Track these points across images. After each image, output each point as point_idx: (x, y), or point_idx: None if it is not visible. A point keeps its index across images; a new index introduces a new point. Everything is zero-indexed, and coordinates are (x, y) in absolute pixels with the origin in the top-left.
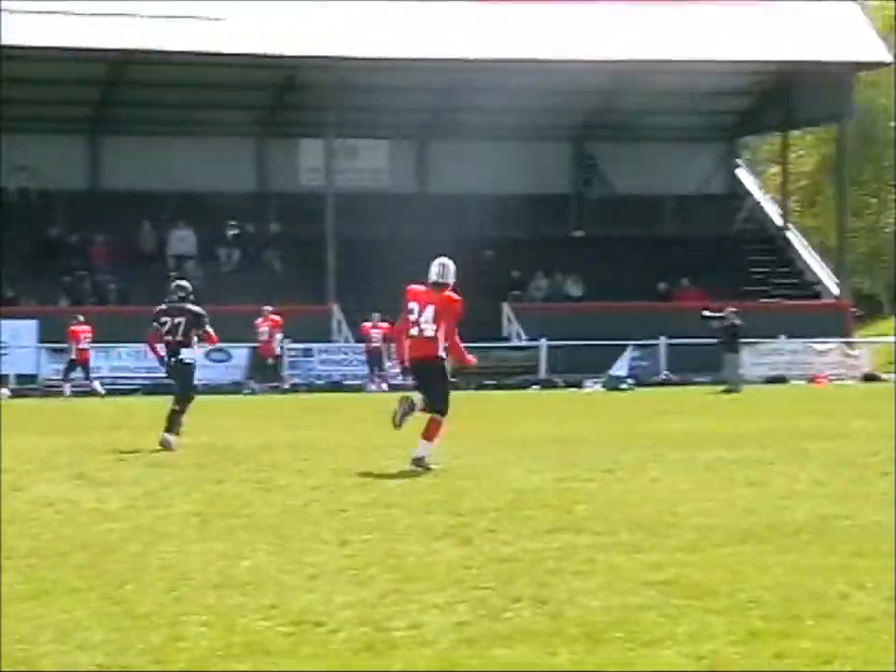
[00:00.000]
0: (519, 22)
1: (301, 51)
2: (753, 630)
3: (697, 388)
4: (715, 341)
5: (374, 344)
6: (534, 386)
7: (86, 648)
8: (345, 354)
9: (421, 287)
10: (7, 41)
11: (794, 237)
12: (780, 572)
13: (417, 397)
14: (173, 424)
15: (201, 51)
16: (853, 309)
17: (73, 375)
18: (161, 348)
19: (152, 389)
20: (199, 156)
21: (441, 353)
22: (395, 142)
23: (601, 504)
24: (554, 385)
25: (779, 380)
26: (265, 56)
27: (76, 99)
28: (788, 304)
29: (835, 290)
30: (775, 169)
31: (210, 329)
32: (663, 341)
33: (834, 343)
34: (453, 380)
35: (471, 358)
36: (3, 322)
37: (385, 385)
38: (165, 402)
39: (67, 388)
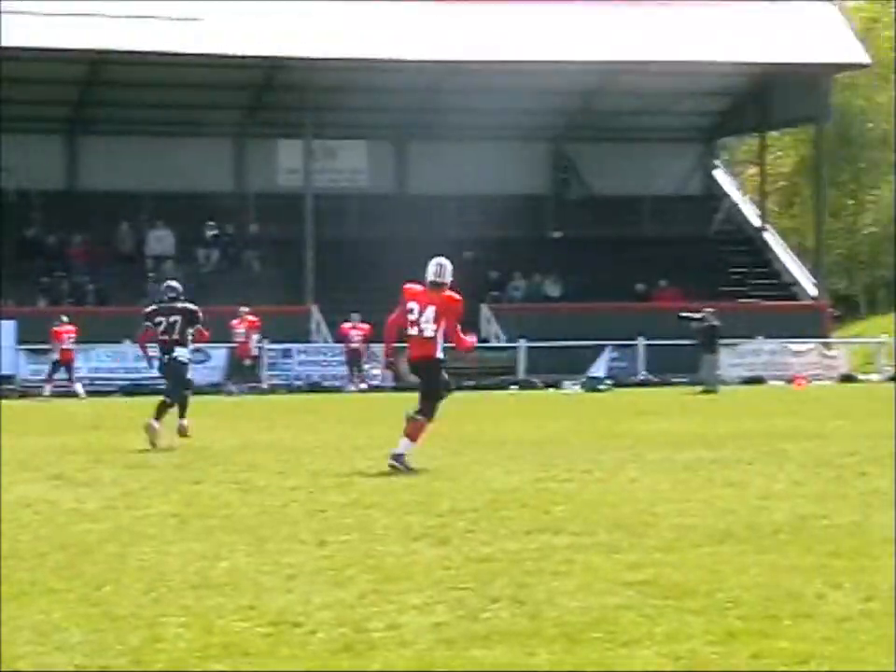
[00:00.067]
0: (497, 23)
1: (280, 52)
2: (731, 630)
3: (675, 389)
4: (693, 341)
5: (354, 345)
6: (512, 387)
7: (64, 649)
8: (324, 354)
9: (418, 287)
10: None
11: (772, 238)
12: (758, 572)
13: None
14: (160, 412)
15: (179, 52)
16: (831, 310)
17: (56, 376)
18: (153, 349)
19: (131, 390)
20: (177, 156)
21: (440, 354)
22: (373, 142)
23: (579, 504)
24: (533, 386)
25: (757, 380)
26: (243, 56)
27: (53, 99)
28: (765, 305)
29: (813, 291)
30: (753, 170)
31: (202, 327)
32: (641, 341)
33: (812, 343)
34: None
35: (471, 341)
36: None
37: (363, 386)
38: (144, 403)
39: (48, 389)
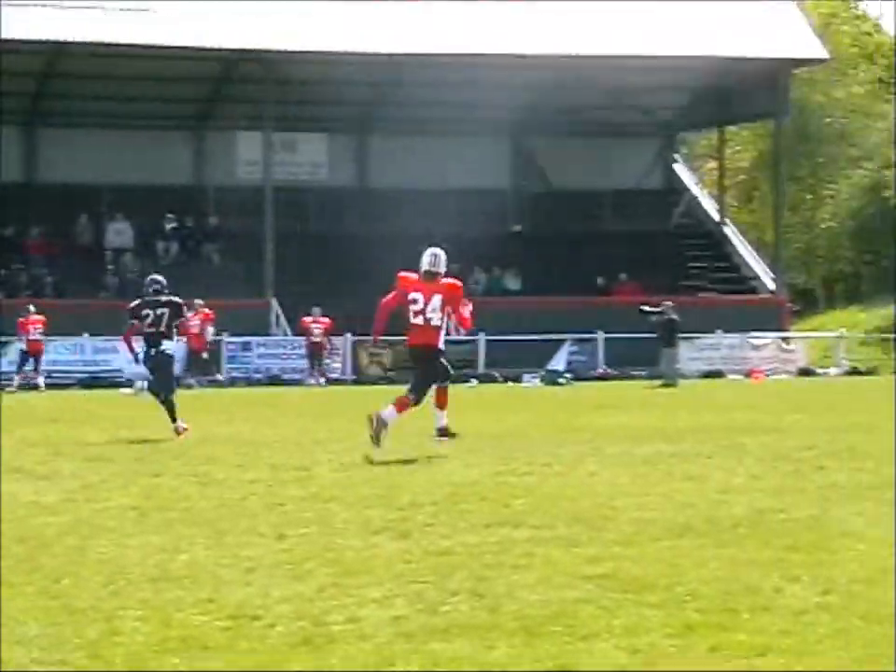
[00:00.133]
0: (457, 18)
1: (239, 44)
2: (689, 623)
3: (635, 382)
4: (653, 335)
5: (315, 339)
6: (472, 381)
7: (22, 642)
8: (284, 347)
9: (414, 276)
10: None
11: (731, 232)
12: (717, 566)
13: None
14: (173, 411)
15: (138, 43)
16: (789, 304)
17: (26, 368)
18: (138, 343)
19: (89, 382)
20: (136, 149)
21: (442, 345)
22: (333, 136)
23: (539, 498)
24: (493, 380)
25: (716, 374)
26: (202, 48)
27: (11, 91)
28: (725, 299)
29: (772, 285)
30: (711, 164)
31: (186, 321)
32: (600, 335)
33: (771, 337)
34: (391, 373)
35: (469, 316)
36: None
37: (322, 380)
38: (103, 395)
39: (17, 381)
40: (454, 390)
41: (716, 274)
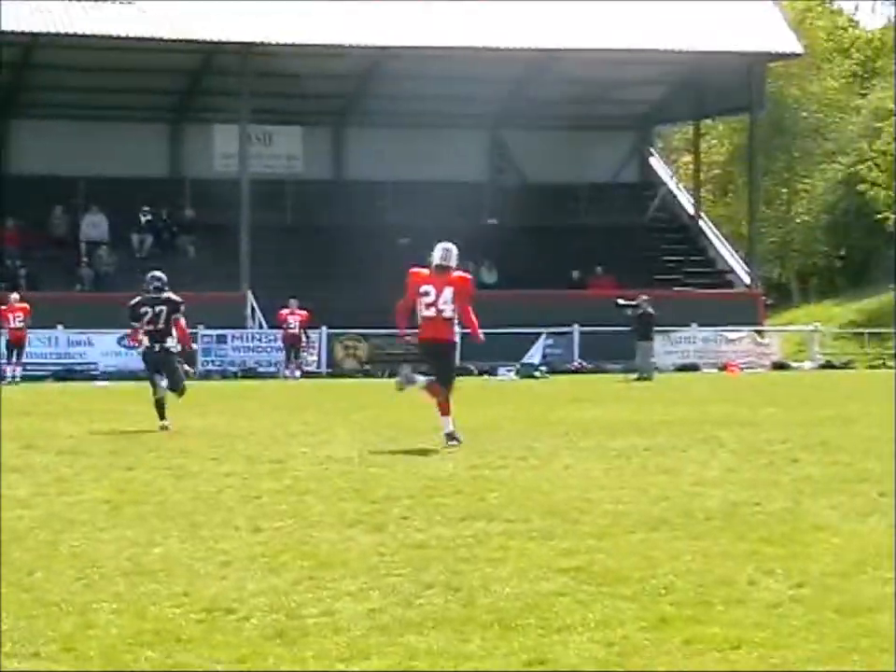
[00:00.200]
0: (433, 10)
1: (216, 36)
2: (664, 616)
3: (610, 376)
4: (628, 329)
5: (291, 331)
6: None
7: None
8: (259, 340)
9: (425, 271)
10: None
11: (706, 226)
12: (691, 559)
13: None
14: (164, 407)
15: (114, 35)
16: (764, 298)
17: (15, 359)
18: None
19: (63, 375)
20: (112, 140)
21: (457, 338)
22: (309, 128)
23: (514, 491)
24: (468, 373)
25: (691, 368)
26: (179, 40)
27: None
28: (700, 293)
29: (747, 279)
30: (687, 158)
31: (182, 319)
32: (576, 328)
33: (745, 331)
34: (367, 367)
35: (481, 337)
36: None
37: (298, 373)
38: (76, 388)
39: (8, 372)
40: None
41: (691, 268)
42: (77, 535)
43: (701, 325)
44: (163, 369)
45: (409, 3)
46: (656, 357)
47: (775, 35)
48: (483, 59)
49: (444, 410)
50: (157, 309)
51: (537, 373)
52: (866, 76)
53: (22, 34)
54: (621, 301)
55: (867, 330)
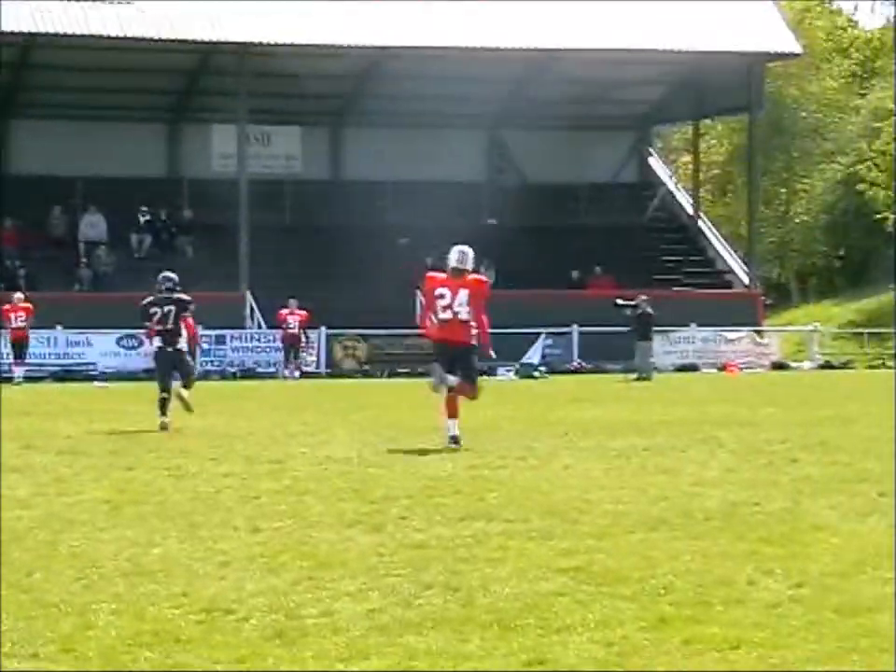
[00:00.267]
0: (432, 10)
1: (214, 36)
2: (663, 616)
3: (609, 376)
4: (627, 329)
5: (291, 331)
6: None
7: None
8: (258, 340)
9: (441, 275)
10: None
11: (705, 226)
12: (690, 559)
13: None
14: (168, 405)
15: (112, 35)
16: (763, 298)
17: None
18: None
19: (62, 376)
20: (110, 141)
21: (475, 340)
22: (308, 128)
23: (513, 491)
24: None
25: (690, 368)
26: (177, 40)
27: None
28: (699, 293)
29: (746, 279)
30: (687, 158)
31: (191, 319)
32: (575, 329)
33: (745, 331)
34: (366, 367)
35: (491, 352)
36: None
37: (297, 374)
38: (75, 388)
39: (17, 372)
40: (429, 383)
41: (690, 268)
42: (76, 535)
43: (700, 325)
44: (178, 368)
45: (408, 2)
46: (655, 357)
47: (774, 35)
48: (482, 59)
49: (452, 412)
50: (166, 309)
51: (536, 373)
52: (865, 76)
53: (21, 34)
54: (620, 301)
55: (866, 330)
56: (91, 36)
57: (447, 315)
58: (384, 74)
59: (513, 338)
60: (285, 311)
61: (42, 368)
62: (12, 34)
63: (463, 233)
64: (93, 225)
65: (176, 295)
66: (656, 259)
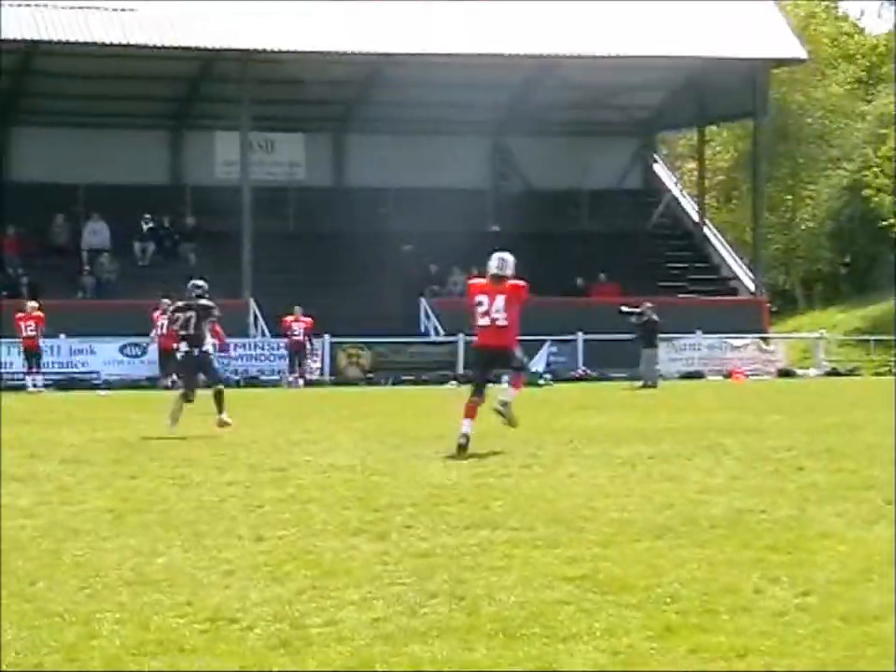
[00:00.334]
0: (435, 16)
1: (217, 43)
2: (669, 625)
3: (614, 384)
4: (632, 336)
5: (296, 338)
6: (451, 382)
7: None
8: (262, 348)
9: (482, 281)
10: None
11: (710, 233)
12: (696, 567)
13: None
14: (221, 404)
15: (114, 42)
16: (768, 304)
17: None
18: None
19: (65, 384)
20: (113, 148)
21: (514, 346)
22: (311, 135)
23: (518, 499)
24: (470, 381)
25: (696, 375)
26: (179, 47)
27: None
28: (704, 300)
29: (751, 286)
30: (691, 164)
31: (218, 326)
32: (580, 336)
33: (750, 338)
34: (370, 375)
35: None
36: None
37: (301, 381)
38: (78, 397)
39: (30, 381)
40: (435, 391)
41: (695, 275)
42: (79, 544)
43: (705, 332)
44: (203, 370)
45: (410, 9)
46: (661, 364)
47: (779, 41)
48: (485, 65)
49: (471, 413)
50: (187, 314)
51: (541, 381)
52: (871, 82)
53: (23, 41)
54: (625, 309)
55: (873, 337)
56: (94, 44)
57: (485, 321)
58: (387, 80)
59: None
60: (289, 318)
61: (45, 376)
62: (14, 40)
63: (466, 240)
64: (96, 232)
65: (201, 301)
66: (661, 265)
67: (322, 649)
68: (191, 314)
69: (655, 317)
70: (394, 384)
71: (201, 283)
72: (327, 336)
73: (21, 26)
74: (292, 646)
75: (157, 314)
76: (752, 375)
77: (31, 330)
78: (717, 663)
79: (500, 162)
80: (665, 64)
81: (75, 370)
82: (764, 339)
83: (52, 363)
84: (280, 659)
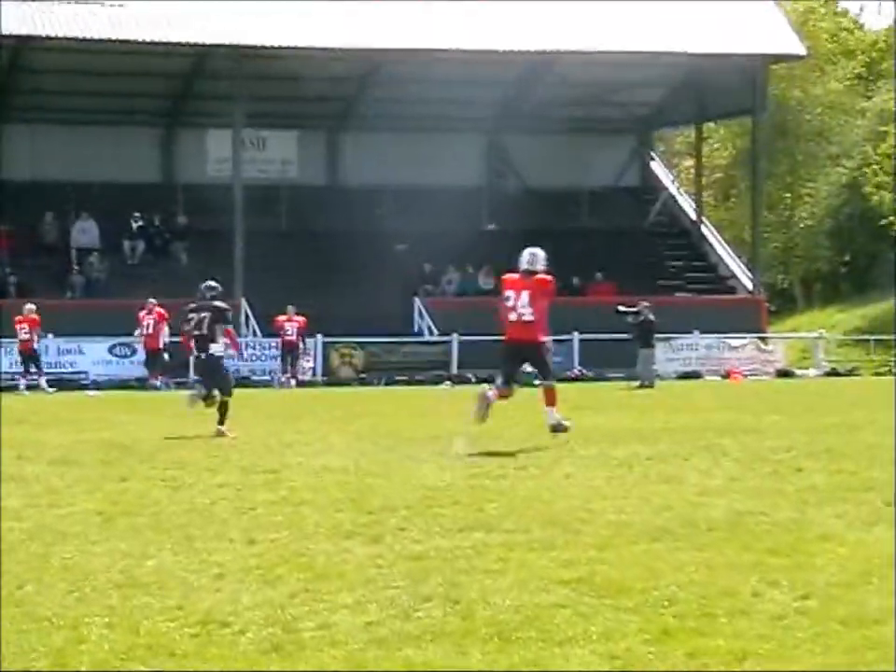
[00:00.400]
0: (430, 13)
1: (209, 39)
2: (667, 628)
3: (611, 384)
4: (629, 336)
5: (289, 337)
6: (446, 382)
7: None
8: (253, 349)
9: (515, 276)
10: None
11: (708, 231)
12: (694, 570)
13: (487, 388)
14: (223, 415)
15: (104, 38)
16: (767, 304)
17: (31, 368)
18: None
19: (53, 385)
20: (103, 145)
21: (544, 337)
22: (304, 132)
23: (514, 501)
24: (466, 381)
25: (693, 375)
26: (171, 43)
27: None
28: (702, 299)
29: (749, 285)
30: (689, 162)
31: (231, 328)
32: (576, 336)
33: (749, 338)
34: (363, 375)
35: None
36: None
37: (293, 382)
38: (66, 398)
39: (22, 384)
40: (429, 392)
41: (693, 274)
42: (68, 547)
43: (703, 332)
44: (206, 374)
45: (406, 5)
46: (658, 364)
47: (777, 37)
48: (481, 61)
49: (550, 400)
50: (201, 316)
51: (536, 381)
52: (871, 78)
53: (12, 36)
54: (621, 308)
55: (872, 337)
56: (84, 39)
57: (512, 316)
58: (382, 77)
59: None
60: (282, 317)
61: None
62: (3, 36)
63: (462, 239)
64: (86, 231)
65: (214, 303)
66: (658, 264)
67: (315, 653)
68: (205, 315)
69: (652, 317)
70: (387, 384)
71: (214, 284)
72: (319, 336)
73: (10, 21)
74: (284, 650)
75: (143, 313)
76: (751, 375)
77: (25, 333)
78: (715, 667)
79: (496, 160)
80: (663, 61)
81: (63, 370)
82: (763, 339)
83: (43, 364)
84: (272, 663)
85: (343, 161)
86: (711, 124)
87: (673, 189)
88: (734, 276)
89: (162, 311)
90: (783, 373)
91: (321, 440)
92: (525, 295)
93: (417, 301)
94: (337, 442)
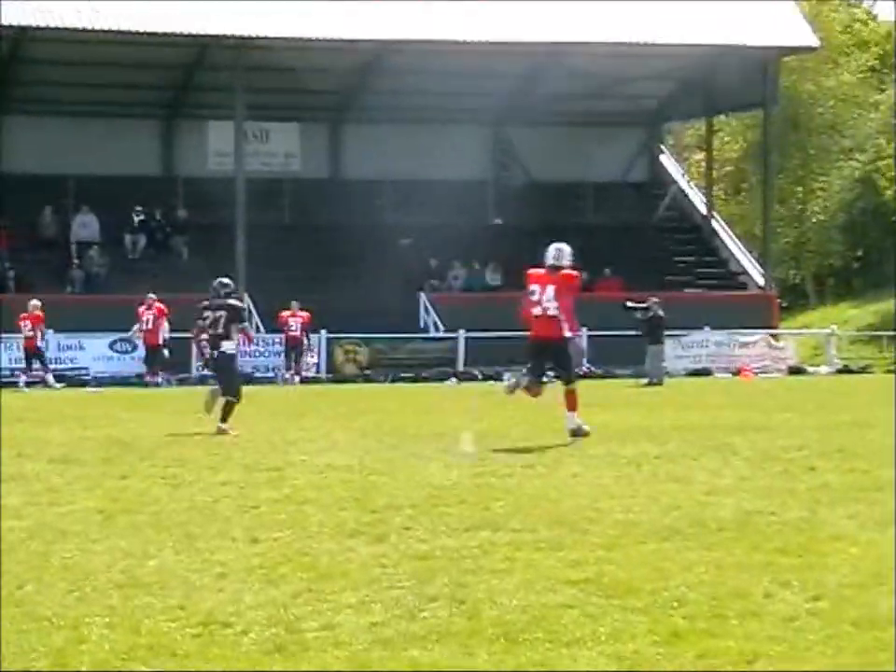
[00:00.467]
0: (434, 3)
1: (210, 30)
2: (676, 630)
3: (619, 381)
4: (637, 332)
5: (293, 333)
6: (451, 379)
7: None
8: (256, 345)
9: (540, 271)
10: None
11: (719, 226)
12: (704, 570)
13: (522, 376)
14: (227, 414)
15: (105, 29)
16: (778, 300)
17: (34, 365)
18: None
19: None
20: (103, 138)
21: (568, 333)
22: (307, 125)
23: (520, 500)
24: (472, 378)
25: (703, 372)
26: (172, 34)
27: None
28: (712, 295)
29: (760, 280)
30: (699, 156)
31: (247, 326)
32: (584, 332)
33: (759, 334)
34: (367, 372)
35: (576, 331)
36: None
37: (296, 379)
38: (67, 395)
39: (22, 381)
40: (434, 389)
41: (703, 269)
42: (69, 546)
43: (713, 328)
44: (219, 372)
45: None
46: (667, 361)
47: (789, 29)
48: (486, 53)
49: (571, 405)
50: (216, 314)
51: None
52: (885, 70)
53: (11, 27)
54: (630, 304)
55: (885, 333)
56: (84, 30)
57: (537, 311)
58: (385, 69)
59: (520, 341)
60: (286, 313)
61: (36, 373)
62: (2, 27)
63: (467, 233)
64: (86, 225)
65: (230, 301)
66: (667, 259)
67: (318, 653)
68: (221, 313)
69: (661, 313)
70: (392, 381)
71: (227, 281)
72: (323, 332)
73: (9, 12)
74: (287, 650)
75: (142, 308)
76: (761, 373)
77: (28, 330)
78: (725, 669)
79: (501, 153)
80: (671, 53)
81: (63, 366)
82: (774, 335)
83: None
84: (275, 664)
85: (347, 154)
86: (722, 117)
87: (683, 184)
88: (745, 272)
89: (162, 306)
90: (795, 370)
91: (325, 437)
92: (550, 289)
93: (423, 297)
94: (341, 440)
